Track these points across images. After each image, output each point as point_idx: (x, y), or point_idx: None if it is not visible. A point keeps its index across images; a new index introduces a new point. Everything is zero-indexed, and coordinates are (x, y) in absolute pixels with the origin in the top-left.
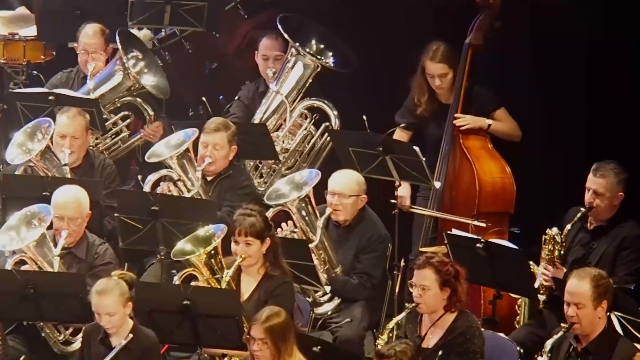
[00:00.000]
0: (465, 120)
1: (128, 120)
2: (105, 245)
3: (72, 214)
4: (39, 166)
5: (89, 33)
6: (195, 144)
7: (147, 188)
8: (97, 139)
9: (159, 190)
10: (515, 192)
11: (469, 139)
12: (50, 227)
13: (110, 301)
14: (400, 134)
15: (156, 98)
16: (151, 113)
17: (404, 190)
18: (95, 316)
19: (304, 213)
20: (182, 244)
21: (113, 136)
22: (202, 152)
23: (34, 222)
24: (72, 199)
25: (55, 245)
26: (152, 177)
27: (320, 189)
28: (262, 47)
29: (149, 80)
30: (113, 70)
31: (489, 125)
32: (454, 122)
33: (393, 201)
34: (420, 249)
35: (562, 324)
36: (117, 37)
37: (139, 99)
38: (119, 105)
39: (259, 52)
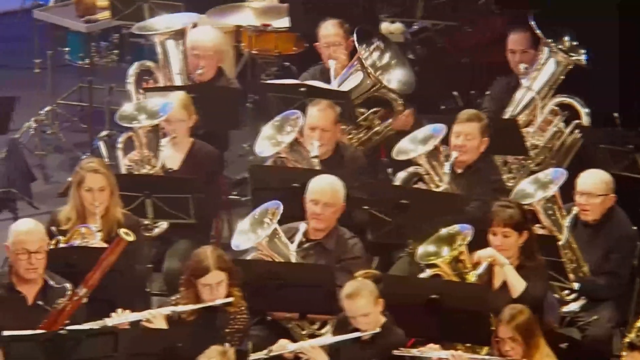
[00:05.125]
0: None
1: (378, 113)
2: (356, 239)
3: (328, 199)
4: (288, 158)
5: (328, 27)
6: (443, 140)
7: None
8: (347, 130)
9: None
10: None
11: None
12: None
13: (363, 302)
14: None
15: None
16: (401, 107)
17: None
18: (351, 320)
19: (550, 212)
20: (426, 246)
21: (363, 128)
22: (454, 141)
23: (266, 220)
24: (329, 186)
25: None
26: (401, 175)
27: (566, 188)
28: (510, 42)
29: (392, 76)
30: (352, 70)
31: None
32: None
33: None
34: None
35: None
36: (354, 36)
37: (391, 94)
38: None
39: (508, 46)
